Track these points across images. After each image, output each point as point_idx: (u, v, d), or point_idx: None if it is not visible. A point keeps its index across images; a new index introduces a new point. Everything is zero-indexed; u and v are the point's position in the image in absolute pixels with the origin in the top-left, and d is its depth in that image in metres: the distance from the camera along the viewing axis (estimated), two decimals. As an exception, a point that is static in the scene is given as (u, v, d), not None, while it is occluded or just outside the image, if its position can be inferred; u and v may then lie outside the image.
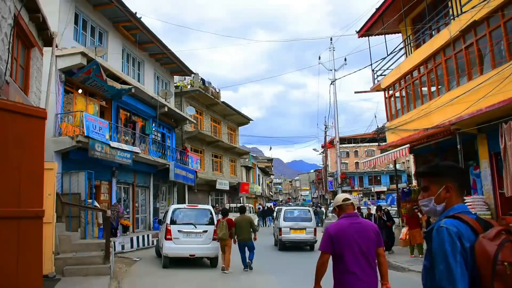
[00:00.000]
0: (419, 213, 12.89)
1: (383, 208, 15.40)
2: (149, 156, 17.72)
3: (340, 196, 3.59)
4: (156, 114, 18.86)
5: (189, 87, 25.84)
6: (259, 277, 9.79)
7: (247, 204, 29.29)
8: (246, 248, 10.51)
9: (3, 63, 6.37)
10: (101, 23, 16.32)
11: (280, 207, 20.48)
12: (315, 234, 14.96)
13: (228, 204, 28.66)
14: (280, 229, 15.09)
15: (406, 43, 16.40)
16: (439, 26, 14.04)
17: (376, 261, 3.36)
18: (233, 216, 11.83)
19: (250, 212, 23.39)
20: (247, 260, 10.46)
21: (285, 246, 15.15)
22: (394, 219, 15.00)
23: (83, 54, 12.68)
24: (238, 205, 24.96)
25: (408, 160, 50.13)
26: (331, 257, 3.32)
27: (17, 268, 3.91)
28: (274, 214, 21.98)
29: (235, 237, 10.43)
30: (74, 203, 11.12)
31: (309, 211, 16.54)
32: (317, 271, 3.30)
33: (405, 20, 15.73)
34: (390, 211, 15.64)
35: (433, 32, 14.64)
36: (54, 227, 7.68)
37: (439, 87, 13.98)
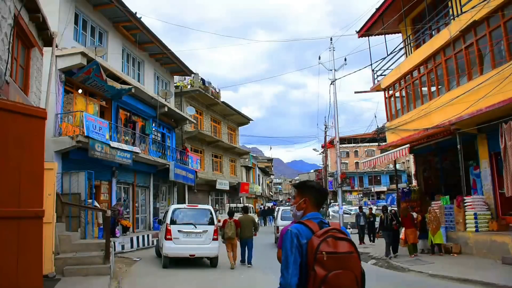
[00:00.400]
0: (413, 213, 12.93)
1: (390, 209, 15.06)
2: (149, 156, 17.72)
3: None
4: (156, 114, 18.87)
5: (189, 87, 25.83)
6: (259, 276, 9.80)
7: (247, 204, 29.33)
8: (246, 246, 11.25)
9: (3, 63, 6.37)
10: (101, 23, 16.32)
11: (279, 207, 21.01)
12: None
13: (229, 204, 28.69)
14: (277, 227, 16.30)
15: (406, 43, 16.40)
16: (439, 26, 14.04)
17: None
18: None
19: (250, 212, 23.53)
20: (246, 262, 11.21)
21: None
22: None
23: (83, 54, 12.68)
24: (239, 205, 25.06)
25: (408, 160, 50.12)
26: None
27: (17, 268, 3.91)
28: (275, 214, 22.10)
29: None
30: (74, 203, 11.11)
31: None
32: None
33: (405, 20, 15.73)
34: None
35: (433, 32, 14.64)
36: (54, 227, 7.68)
37: (439, 87, 13.98)
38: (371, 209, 18.18)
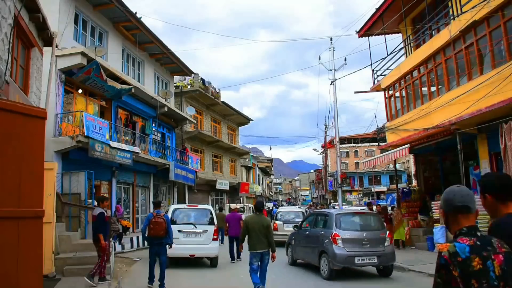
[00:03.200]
0: (389, 211, 15.60)
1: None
2: (149, 156, 17.72)
3: (233, 206, 14.24)
4: (156, 114, 18.86)
5: (189, 87, 25.83)
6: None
7: (247, 204, 29.46)
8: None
9: (3, 63, 6.37)
10: (101, 23, 16.32)
11: (281, 207, 21.97)
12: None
13: (229, 204, 28.70)
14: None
15: (406, 43, 16.39)
16: (439, 26, 14.03)
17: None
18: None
19: (251, 212, 23.96)
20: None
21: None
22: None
23: (83, 54, 12.68)
24: (239, 205, 25.37)
25: (408, 160, 50.11)
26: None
27: (17, 268, 3.90)
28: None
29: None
30: (74, 203, 11.12)
31: (302, 213, 20.26)
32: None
33: (405, 20, 15.72)
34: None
35: (433, 32, 14.63)
36: (54, 227, 7.69)
37: (439, 87, 13.96)
38: (379, 206, 18.41)
